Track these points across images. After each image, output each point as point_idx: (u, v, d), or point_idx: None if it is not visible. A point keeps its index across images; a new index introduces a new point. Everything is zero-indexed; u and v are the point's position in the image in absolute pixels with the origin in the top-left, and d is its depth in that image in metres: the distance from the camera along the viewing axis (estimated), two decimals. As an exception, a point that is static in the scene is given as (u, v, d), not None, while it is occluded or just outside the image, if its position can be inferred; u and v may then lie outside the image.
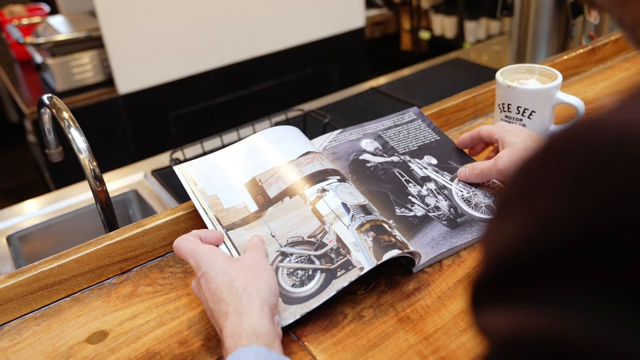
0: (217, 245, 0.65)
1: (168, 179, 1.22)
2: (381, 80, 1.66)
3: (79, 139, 0.75)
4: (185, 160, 1.13)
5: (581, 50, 1.10)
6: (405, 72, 1.72)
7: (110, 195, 0.80)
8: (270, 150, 0.76)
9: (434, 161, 0.80)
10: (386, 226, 0.65)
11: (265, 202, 0.70)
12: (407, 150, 0.81)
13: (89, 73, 1.92)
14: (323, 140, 0.83)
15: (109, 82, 1.92)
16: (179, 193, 1.16)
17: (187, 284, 0.68)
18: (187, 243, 0.61)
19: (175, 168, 0.75)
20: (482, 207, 0.73)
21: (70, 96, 1.85)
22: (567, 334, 0.22)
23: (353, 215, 0.66)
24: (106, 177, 1.27)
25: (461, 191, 0.76)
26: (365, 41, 2.47)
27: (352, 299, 0.64)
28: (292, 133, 0.79)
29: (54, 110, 0.78)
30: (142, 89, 1.92)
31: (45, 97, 0.80)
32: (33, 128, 1.96)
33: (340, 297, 0.63)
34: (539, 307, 0.24)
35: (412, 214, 0.72)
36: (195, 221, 0.74)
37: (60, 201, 1.22)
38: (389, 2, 3.88)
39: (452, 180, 0.77)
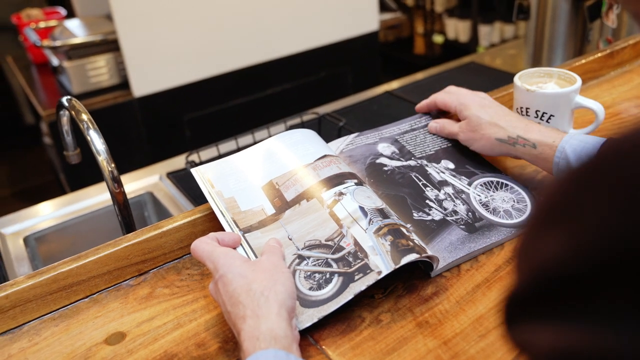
0: (235, 248, 0.65)
1: (183, 181, 1.22)
2: (394, 85, 1.66)
3: (97, 141, 0.76)
4: (201, 162, 1.14)
5: (599, 54, 1.09)
6: (419, 76, 1.72)
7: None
8: (287, 153, 0.76)
9: (451, 165, 0.80)
10: (404, 230, 0.65)
11: (282, 205, 0.70)
12: (424, 154, 0.81)
13: (105, 76, 1.93)
14: (340, 144, 0.82)
15: (124, 84, 1.93)
16: (195, 195, 1.16)
17: (205, 286, 0.69)
18: (205, 245, 0.61)
19: (193, 170, 0.75)
20: (500, 211, 0.73)
21: (86, 99, 1.87)
22: (622, 355, 0.21)
23: (370, 219, 0.66)
24: (122, 179, 1.27)
25: (479, 195, 0.75)
26: (379, 45, 2.47)
27: (369, 302, 0.63)
28: (309, 136, 0.79)
29: (73, 112, 0.78)
30: (157, 91, 1.93)
31: (64, 99, 0.81)
32: (49, 130, 1.98)
33: (358, 301, 0.63)
34: (590, 326, 0.22)
35: (429, 218, 0.71)
36: (212, 223, 0.74)
37: (77, 203, 1.23)
38: (403, 6, 3.88)
39: (470, 184, 0.77)
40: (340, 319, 0.61)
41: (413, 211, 0.72)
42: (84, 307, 0.67)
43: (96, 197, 1.24)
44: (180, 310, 0.65)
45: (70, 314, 0.66)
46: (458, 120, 0.82)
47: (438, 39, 3.80)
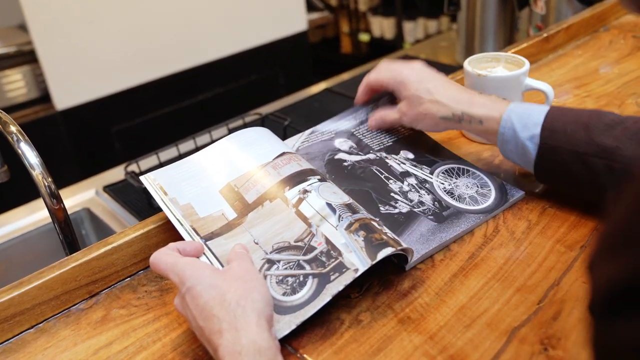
0: (198, 257, 0.60)
1: (123, 194, 1.15)
2: (323, 85, 1.64)
3: (30, 154, 0.69)
4: (142, 172, 1.07)
5: (536, 39, 1.11)
6: (347, 75, 1.70)
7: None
8: (242, 153, 0.71)
9: (411, 155, 0.78)
10: (375, 224, 0.62)
11: (243, 208, 0.65)
12: (382, 146, 0.79)
13: (22, 90, 1.81)
14: (295, 142, 0.79)
15: (45, 98, 1.82)
16: (137, 209, 1.09)
17: (166, 302, 0.63)
18: (166, 257, 0.55)
19: (142, 178, 0.69)
20: (465, 198, 0.72)
21: (3, 115, 1.74)
22: None
23: (340, 215, 0.62)
24: (53, 197, 1.18)
25: (442, 184, 0.74)
26: (309, 45, 2.45)
27: (346, 303, 0.60)
28: (263, 134, 0.75)
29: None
30: (81, 103, 1.83)
31: (-13, 111, 0.73)
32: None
33: (334, 303, 0.59)
34: None
35: (396, 211, 0.69)
36: (167, 234, 0.68)
37: (4, 226, 1.13)
38: (327, 6, 3.89)
39: (431, 173, 0.75)
40: (318, 324, 0.57)
41: (379, 205, 0.69)
42: (30, 339, 0.60)
43: (25, 218, 1.15)
44: (141, 331, 0.59)
45: (16, 348, 0.59)
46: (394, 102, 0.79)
47: (364, 37, 3.83)
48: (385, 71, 0.77)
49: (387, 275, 0.63)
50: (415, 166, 0.76)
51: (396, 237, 0.61)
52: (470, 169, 0.77)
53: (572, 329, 0.54)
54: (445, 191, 0.72)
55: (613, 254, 0.25)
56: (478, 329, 0.55)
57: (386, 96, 0.83)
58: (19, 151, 0.69)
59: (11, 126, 0.70)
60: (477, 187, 0.74)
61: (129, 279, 0.67)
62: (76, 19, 1.73)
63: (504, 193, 0.73)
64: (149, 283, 0.66)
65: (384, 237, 0.60)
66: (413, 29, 3.49)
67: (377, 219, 0.65)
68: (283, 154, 0.71)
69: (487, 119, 0.69)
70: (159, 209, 0.67)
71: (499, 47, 1.57)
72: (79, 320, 0.62)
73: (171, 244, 0.59)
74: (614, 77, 1.04)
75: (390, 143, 0.80)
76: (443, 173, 0.76)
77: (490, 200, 0.72)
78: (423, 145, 0.80)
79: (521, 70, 0.82)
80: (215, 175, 0.69)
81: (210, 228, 0.64)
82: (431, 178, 0.74)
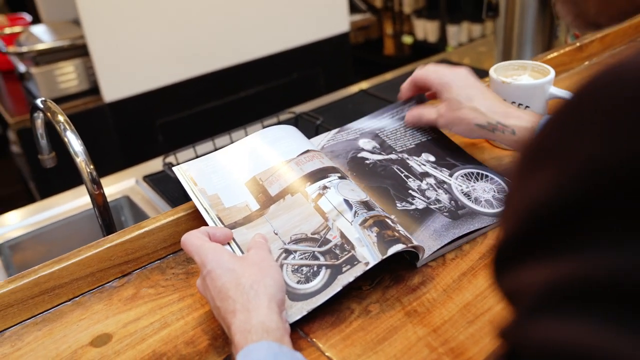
0: (226, 243, 0.64)
1: (161, 184, 1.21)
2: (364, 85, 1.67)
3: (75, 142, 0.75)
4: (179, 164, 1.12)
5: (569, 48, 1.12)
6: (389, 75, 1.73)
7: (105, 199, 0.79)
8: (269, 149, 0.75)
9: (432, 158, 0.81)
10: (389, 221, 0.65)
11: (266, 200, 0.70)
12: (404, 148, 0.82)
13: (74, 82, 1.90)
14: (321, 140, 0.82)
15: (94, 90, 1.90)
16: (172, 198, 1.15)
17: (190, 284, 0.68)
18: (194, 239, 0.60)
19: (175, 169, 0.74)
20: (482, 201, 0.74)
21: (55, 105, 1.83)
22: (621, 272, 0.22)
23: (355, 212, 0.66)
24: (97, 184, 1.25)
25: (460, 186, 0.76)
26: (350, 46, 2.48)
27: (357, 294, 0.63)
28: (291, 132, 0.79)
29: (48, 114, 0.77)
30: (128, 96, 1.91)
31: (39, 101, 0.79)
32: (17, 138, 1.94)
33: (346, 293, 0.63)
34: (586, 255, 0.23)
35: (413, 207, 0.72)
36: (196, 222, 0.73)
37: (49, 210, 1.21)
38: (372, 8, 3.91)
39: (451, 175, 0.78)
40: (330, 312, 0.61)
41: (396, 201, 0.72)
42: (67, 311, 0.66)
43: (69, 203, 1.22)
44: (166, 309, 0.64)
45: (53, 318, 0.65)
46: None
47: (407, 39, 3.84)
48: (432, 72, 0.81)
49: (399, 271, 0.66)
50: (435, 168, 0.79)
51: (408, 235, 0.64)
52: (489, 174, 0.79)
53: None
54: (462, 192, 0.75)
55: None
56: (480, 325, 0.58)
57: (424, 100, 0.87)
58: (65, 139, 0.74)
59: (59, 116, 0.76)
60: (494, 191, 0.76)
61: (158, 261, 0.72)
62: (126, 15, 1.81)
63: None
64: (177, 266, 0.71)
65: (396, 234, 0.63)
66: (457, 33, 3.48)
67: (392, 217, 0.68)
68: (307, 151, 0.75)
69: (520, 130, 0.72)
70: (190, 199, 0.72)
71: (537, 54, 1.57)
72: (112, 297, 0.67)
73: (203, 228, 0.63)
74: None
75: (413, 146, 0.82)
76: (462, 176, 0.78)
77: None
78: (445, 149, 0.82)
79: (545, 79, 0.84)
80: (242, 168, 0.74)
81: (234, 218, 0.68)
82: (449, 180, 0.77)
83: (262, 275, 0.55)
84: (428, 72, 0.81)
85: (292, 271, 0.62)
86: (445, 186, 0.76)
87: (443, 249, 0.68)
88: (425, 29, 3.69)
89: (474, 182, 0.77)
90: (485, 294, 0.62)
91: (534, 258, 0.26)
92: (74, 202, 1.22)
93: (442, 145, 0.83)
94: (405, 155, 0.80)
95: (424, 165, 0.79)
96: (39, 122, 0.85)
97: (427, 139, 0.84)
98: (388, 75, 1.74)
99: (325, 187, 0.69)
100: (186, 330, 0.61)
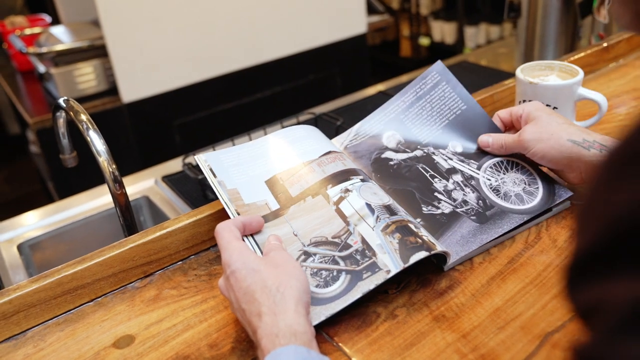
0: (259, 232, 0.65)
1: (180, 184, 1.20)
2: (381, 87, 1.65)
3: (98, 142, 0.74)
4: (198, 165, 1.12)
5: (595, 48, 1.10)
6: (406, 77, 1.71)
7: (126, 200, 0.78)
8: (291, 149, 0.74)
9: (459, 149, 0.77)
10: (412, 226, 0.64)
11: (286, 200, 0.68)
12: (430, 138, 0.78)
13: (93, 82, 1.91)
14: (344, 139, 0.81)
15: (112, 90, 1.91)
16: (192, 198, 1.15)
17: (213, 286, 0.67)
18: (226, 233, 0.59)
19: (197, 157, 0.74)
20: (511, 196, 0.72)
21: (74, 105, 1.84)
22: None
23: (378, 217, 0.65)
24: (116, 184, 1.25)
25: (489, 180, 0.74)
26: (367, 47, 2.47)
27: (383, 298, 0.62)
28: (312, 132, 0.78)
29: (71, 113, 0.77)
30: (146, 97, 1.91)
31: (61, 100, 0.79)
32: (37, 138, 1.95)
33: (372, 297, 0.62)
34: None
35: (439, 211, 0.70)
36: (218, 222, 0.72)
37: (69, 209, 1.21)
38: (389, 9, 3.89)
39: (479, 168, 0.75)
40: (355, 315, 0.60)
41: (422, 205, 0.71)
42: (89, 311, 0.65)
43: (89, 203, 1.22)
44: (189, 311, 0.64)
45: (76, 318, 0.64)
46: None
47: (424, 41, 3.82)
48: (516, 108, 0.76)
49: (426, 274, 0.65)
50: (462, 161, 0.76)
51: (432, 240, 0.63)
52: (520, 162, 0.76)
53: (606, 338, 0.54)
54: (491, 188, 0.73)
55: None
56: (511, 331, 0.56)
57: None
58: (88, 138, 0.74)
59: (82, 115, 0.76)
60: (525, 183, 0.73)
61: (180, 262, 0.72)
62: (145, 17, 1.81)
63: (552, 193, 0.72)
64: (199, 267, 0.70)
65: (420, 240, 0.62)
66: (475, 34, 3.45)
67: (417, 220, 0.67)
68: (329, 152, 0.74)
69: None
70: (212, 200, 0.71)
71: (559, 55, 1.54)
72: (134, 297, 0.67)
73: (239, 217, 0.63)
74: (676, 89, 1.01)
75: (439, 130, 0.79)
76: (491, 167, 0.75)
77: (536, 200, 0.72)
78: (472, 134, 0.78)
79: (574, 80, 0.82)
80: (263, 166, 0.73)
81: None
82: (478, 174, 0.74)
83: (288, 276, 0.54)
84: (512, 109, 0.76)
85: (311, 274, 0.61)
86: (472, 182, 0.73)
87: (470, 253, 0.66)
88: (443, 31, 3.66)
89: (504, 173, 0.74)
90: (516, 299, 0.60)
91: (619, 272, 0.24)
92: (93, 202, 1.22)
93: (472, 123, 0.79)
94: (432, 149, 0.77)
95: (451, 159, 0.77)
96: (61, 122, 0.84)
97: (455, 115, 0.80)
98: (404, 78, 1.72)
99: (347, 190, 0.68)
100: (209, 333, 0.60)
